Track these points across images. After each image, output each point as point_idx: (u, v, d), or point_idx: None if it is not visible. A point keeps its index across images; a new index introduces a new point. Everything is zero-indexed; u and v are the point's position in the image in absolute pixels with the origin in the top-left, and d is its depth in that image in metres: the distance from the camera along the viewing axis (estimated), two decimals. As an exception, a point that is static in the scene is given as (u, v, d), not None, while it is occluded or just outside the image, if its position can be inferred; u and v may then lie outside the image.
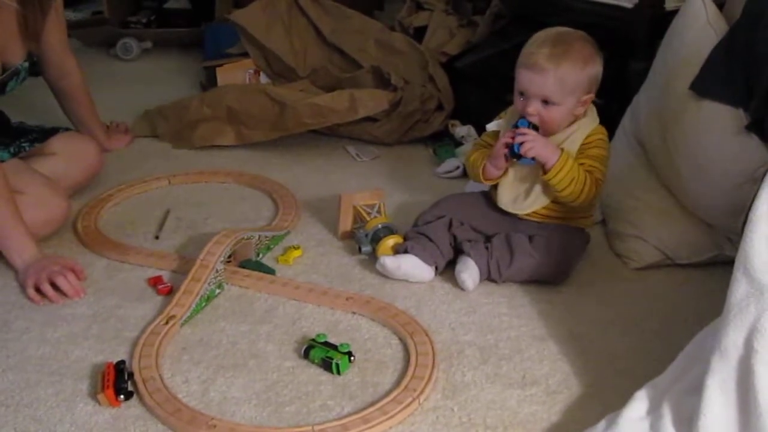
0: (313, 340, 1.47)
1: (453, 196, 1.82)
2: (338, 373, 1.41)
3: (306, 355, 1.45)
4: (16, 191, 1.74)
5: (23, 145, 1.96)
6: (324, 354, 1.43)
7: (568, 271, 1.69)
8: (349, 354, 1.43)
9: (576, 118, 1.66)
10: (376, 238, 1.75)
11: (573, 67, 1.59)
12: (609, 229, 1.86)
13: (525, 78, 1.62)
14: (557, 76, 1.59)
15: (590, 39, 1.64)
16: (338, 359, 1.41)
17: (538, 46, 1.61)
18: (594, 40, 1.64)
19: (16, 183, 1.76)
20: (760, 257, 1.10)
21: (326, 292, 1.64)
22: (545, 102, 1.61)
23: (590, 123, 1.67)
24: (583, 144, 1.65)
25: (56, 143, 2.01)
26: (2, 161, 1.82)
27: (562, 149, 1.61)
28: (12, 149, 1.93)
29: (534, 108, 1.62)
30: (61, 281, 1.64)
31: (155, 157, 2.35)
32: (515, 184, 1.71)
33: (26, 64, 1.94)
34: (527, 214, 1.70)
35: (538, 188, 1.68)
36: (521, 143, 1.60)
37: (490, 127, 1.76)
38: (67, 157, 2.00)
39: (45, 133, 2.02)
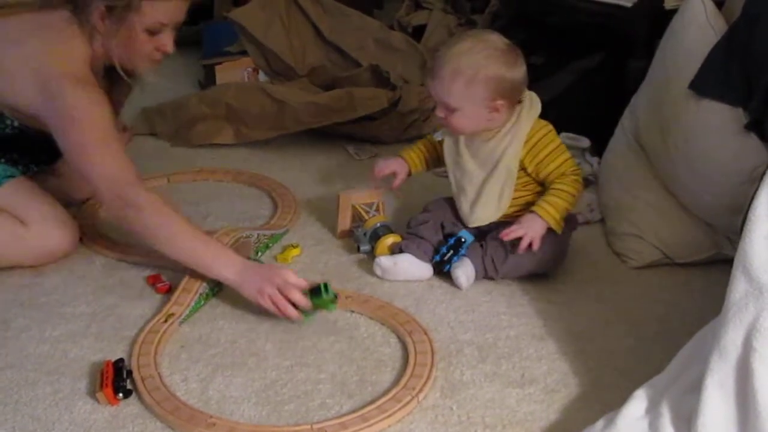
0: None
1: (443, 200, 1.80)
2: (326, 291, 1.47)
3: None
4: (20, 220, 1.71)
5: (30, 165, 1.91)
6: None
7: (562, 260, 1.69)
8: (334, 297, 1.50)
9: (493, 121, 1.62)
10: (374, 237, 1.75)
11: (463, 72, 1.57)
12: (608, 228, 1.86)
13: (426, 83, 1.65)
14: (446, 81, 1.59)
15: (501, 45, 1.59)
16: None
17: (439, 51, 1.63)
18: (512, 46, 1.60)
19: (20, 210, 1.72)
20: (759, 256, 1.10)
21: (325, 290, 1.64)
22: (447, 107, 1.61)
23: (526, 124, 1.63)
24: (531, 148, 1.63)
25: (63, 166, 1.93)
26: (14, 177, 1.77)
27: (538, 212, 1.60)
28: (21, 168, 1.87)
29: (439, 112, 1.63)
30: (295, 296, 1.52)
31: (154, 156, 2.35)
32: (461, 196, 1.72)
33: None
34: (507, 214, 1.68)
35: (483, 199, 1.67)
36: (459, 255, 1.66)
37: (436, 136, 1.76)
38: (71, 180, 1.92)
39: (52, 154, 1.88)
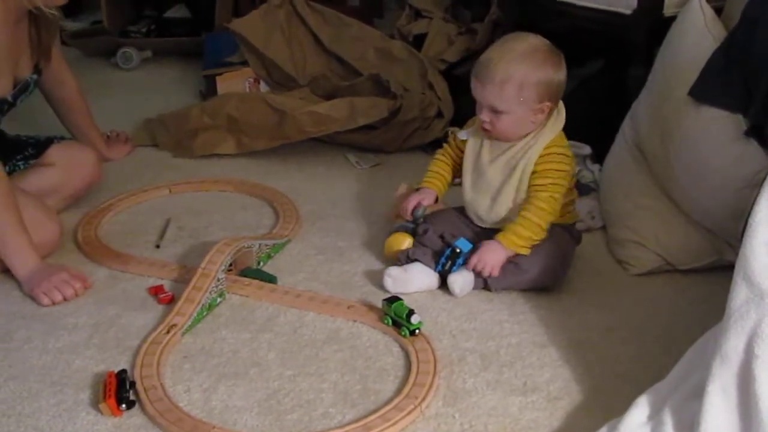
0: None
1: (442, 212, 1.80)
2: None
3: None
4: None
5: (18, 163, 1.95)
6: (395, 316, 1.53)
7: (564, 274, 1.69)
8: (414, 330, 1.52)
9: (535, 123, 1.64)
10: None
11: (514, 76, 1.58)
12: (609, 235, 1.86)
13: (473, 87, 1.64)
14: (497, 85, 1.59)
15: (545, 47, 1.62)
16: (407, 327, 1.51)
17: (486, 54, 1.63)
18: (554, 48, 1.63)
19: None
20: (760, 262, 1.10)
21: (327, 300, 1.64)
22: (495, 110, 1.61)
23: (549, 133, 1.65)
24: (543, 155, 1.63)
25: (54, 153, 1.99)
26: None
27: (501, 242, 1.61)
28: (7, 168, 1.90)
29: (485, 116, 1.63)
30: (70, 292, 1.66)
31: (156, 166, 2.35)
32: (477, 198, 1.71)
33: (35, 77, 1.95)
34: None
35: (500, 201, 1.68)
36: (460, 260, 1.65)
37: (461, 135, 1.76)
38: (65, 167, 1.99)
39: (40, 147, 2.00)
